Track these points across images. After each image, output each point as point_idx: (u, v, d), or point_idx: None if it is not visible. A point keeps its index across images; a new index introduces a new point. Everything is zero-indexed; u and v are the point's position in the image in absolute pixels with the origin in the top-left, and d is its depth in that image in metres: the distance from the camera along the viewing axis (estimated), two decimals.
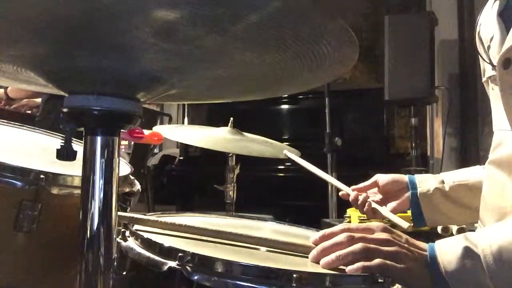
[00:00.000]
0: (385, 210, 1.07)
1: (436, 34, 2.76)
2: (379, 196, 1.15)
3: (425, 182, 1.12)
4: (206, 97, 0.80)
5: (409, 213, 1.31)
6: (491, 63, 0.91)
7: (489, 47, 0.92)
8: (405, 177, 1.15)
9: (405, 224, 0.93)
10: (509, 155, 0.89)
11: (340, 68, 0.57)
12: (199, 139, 1.45)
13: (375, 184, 1.15)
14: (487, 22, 0.94)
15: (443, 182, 1.11)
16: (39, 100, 2.75)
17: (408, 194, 1.12)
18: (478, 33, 0.97)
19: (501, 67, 0.85)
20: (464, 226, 1.39)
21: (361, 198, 1.10)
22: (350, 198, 1.12)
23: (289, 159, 1.31)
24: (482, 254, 0.69)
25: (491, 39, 0.91)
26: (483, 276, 0.69)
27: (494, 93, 0.94)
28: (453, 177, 1.12)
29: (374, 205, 1.08)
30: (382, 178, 1.15)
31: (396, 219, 0.99)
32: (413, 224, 1.11)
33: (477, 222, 1.07)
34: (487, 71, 0.96)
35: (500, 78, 0.86)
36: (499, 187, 0.91)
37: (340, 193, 1.17)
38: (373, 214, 1.09)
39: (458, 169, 1.19)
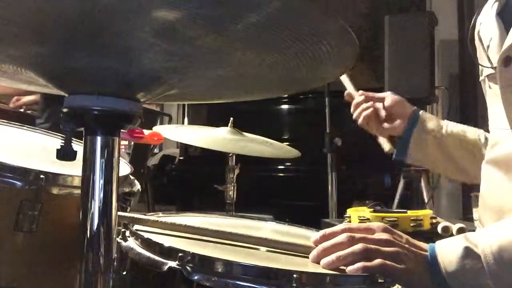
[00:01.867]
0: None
1: (436, 34, 2.75)
2: (383, 113, 1.18)
3: (426, 120, 1.15)
4: (206, 97, 0.80)
5: (409, 212, 1.31)
6: (490, 62, 0.92)
7: (488, 46, 0.92)
8: (410, 109, 1.17)
9: (387, 146, 0.95)
10: (506, 154, 0.89)
11: (340, 68, 0.57)
12: (199, 139, 1.45)
13: (382, 100, 1.18)
14: (487, 22, 0.94)
15: (442, 127, 1.14)
16: (32, 97, 2.73)
17: (404, 125, 1.14)
18: (478, 32, 0.97)
19: (501, 65, 0.85)
20: (464, 226, 1.39)
21: (366, 105, 1.14)
22: (354, 101, 1.15)
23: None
24: (482, 254, 0.69)
25: (490, 39, 0.92)
26: (484, 276, 0.69)
27: (491, 92, 0.94)
28: (452, 127, 1.15)
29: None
30: (390, 97, 1.18)
31: (381, 139, 1.00)
32: (395, 154, 1.15)
33: (452, 178, 1.10)
34: (485, 70, 0.97)
35: (500, 75, 0.86)
36: (496, 186, 0.91)
37: (345, 93, 1.20)
38: (367, 124, 1.13)
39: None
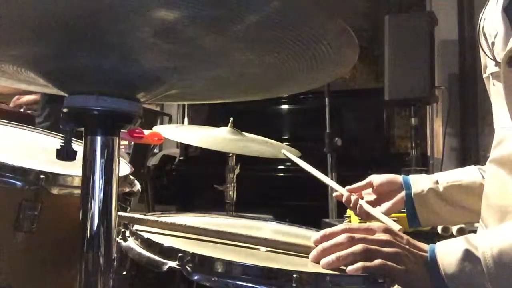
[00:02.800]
0: (377, 212, 1.06)
1: (436, 34, 2.75)
2: (373, 197, 1.15)
3: (419, 182, 1.12)
4: (206, 97, 0.80)
5: None
6: (495, 59, 0.91)
7: (493, 43, 0.91)
8: (399, 178, 1.14)
9: (396, 227, 0.92)
10: (510, 153, 0.89)
11: (340, 68, 0.57)
12: (199, 139, 1.45)
13: (370, 185, 1.15)
14: (492, 18, 0.93)
15: (437, 182, 1.11)
16: (32, 97, 2.73)
17: (402, 194, 1.11)
18: (482, 28, 0.96)
19: (505, 65, 0.84)
20: (463, 226, 1.39)
21: (353, 199, 1.10)
22: (343, 199, 1.12)
23: (288, 159, 1.31)
24: (482, 257, 0.69)
25: (495, 35, 0.90)
26: (483, 279, 0.68)
27: (495, 90, 0.93)
28: (447, 178, 1.11)
29: (365, 206, 1.07)
30: (376, 178, 1.15)
31: (387, 221, 0.99)
32: (408, 224, 1.11)
33: (471, 222, 1.06)
34: (489, 67, 0.95)
35: (504, 75, 0.86)
36: (500, 185, 0.91)
37: (334, 194, 1.17)
38: (366, 216, 1.09)
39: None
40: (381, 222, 1.01)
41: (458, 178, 1.11)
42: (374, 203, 1.12)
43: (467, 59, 3.04)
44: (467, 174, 1.11)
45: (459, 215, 1.12)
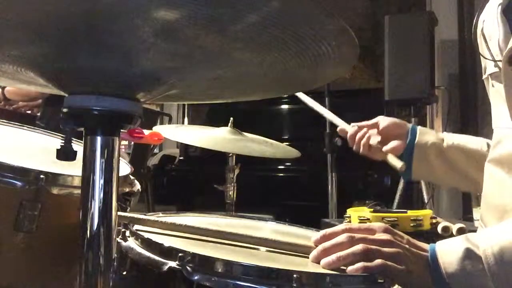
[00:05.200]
0: (384, 149, 1.07)
1: (436, 34, 2.76)
2: (378, 138, 1.14)
3: (426, 134, 1.12)
4: (206, 97, 0.80)
5: (409, 212, 1.31)
6: (493, 60, 0.91)
7: (492, 44, 0.92)
8: (407, 124, 1.15)
9: (399, 164, 0.92)
10: (508, 153, 0.89)
11: (340, 68, 0.57)
12: (199, 139, 1.45)
13: (376, 126, 1.15)
14: (491, 19, 0.94)
15: (442, 140, 1.11)
16: (38, 102, 2.74)
17: (406, 140, 1.11)
18: (481, 29, 0.97)
19: (506, 64, 0.85)
20: (463, 226, 1.39)
21: (360, 133, 1.10)
22: (348, 135, 1.12)
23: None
24: (483, 255, 0.69)
25: (494, 36, 0.91)
26: (484, 277, 0.68)
27: (494, 90, 0.94)
28: (453, 138, 1.12)
29: (372, 141, 1.07)
30: (383, 120, 1.15)
31: (390, 158, 0.98)
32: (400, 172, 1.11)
33: (460, 188, 1.05)
34: (489, 68, 0.96)
35: (504, 75, 0.86)
36: (499, 185, 0.91)
37: (338, 129, 1.17)
38: (368, 151, 1.09)
39: None
40: (387, 159, 1.01)
41: (464, 142, 1.11)
42: (378, 145, 1.12)
43: (467, 59, 3.04)
44: (473, 141, 1.12)
45: (452, 178, 1.12)
